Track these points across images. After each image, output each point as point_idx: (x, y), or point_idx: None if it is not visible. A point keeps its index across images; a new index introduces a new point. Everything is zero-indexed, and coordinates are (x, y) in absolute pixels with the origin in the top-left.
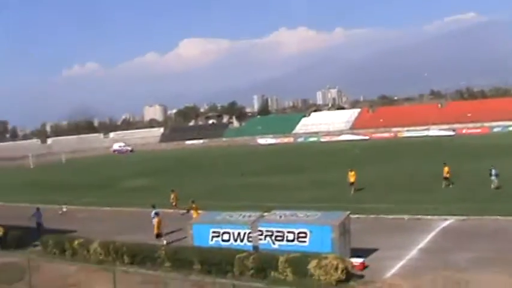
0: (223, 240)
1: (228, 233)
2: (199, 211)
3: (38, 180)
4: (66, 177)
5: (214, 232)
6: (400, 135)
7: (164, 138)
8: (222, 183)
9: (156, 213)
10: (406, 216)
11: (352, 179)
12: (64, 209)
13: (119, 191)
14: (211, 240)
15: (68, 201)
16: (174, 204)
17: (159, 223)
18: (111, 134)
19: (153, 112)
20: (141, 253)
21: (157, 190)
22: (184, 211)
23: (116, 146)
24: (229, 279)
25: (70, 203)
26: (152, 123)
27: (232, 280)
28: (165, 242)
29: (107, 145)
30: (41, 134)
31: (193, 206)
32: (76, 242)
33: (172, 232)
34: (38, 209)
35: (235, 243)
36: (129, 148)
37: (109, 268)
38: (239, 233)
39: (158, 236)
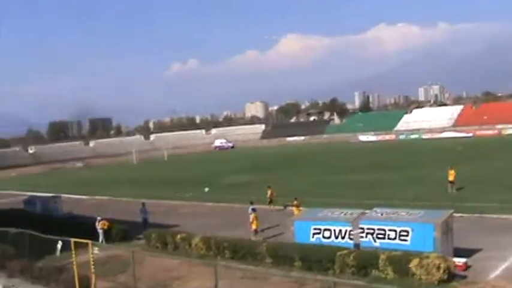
0: (324, 237)
1: (329, 230)
2: (301, 208)
3: (141, 176)
4: (168, 173)
5: (315, 229)
6: (504, 132)
7: (265, 134)
8: (322, 180)
9: (253, 209)
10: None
11: (451, 178)
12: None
13: (221, 186)
14: (313, 237)
15: (170, 197)
16: (270, 200)
17: (255, 219)
18: (213, 131)
19: (255, 109)
20: (242, 249)
21: (258, 186)
22: (281, 207)
23: (217, 143)
24: (330, 277)
25: (172, 198)
26: (253, 120)
27: (333, 277)
28: (259, 238)
29: (208, 141)
30: (144, 131)
31: (295, 203)
32: (178, 237)
33: (268, 228)
34: (143, 204)
35: (336, 241)
36: (231, 144)
37: (211, 263)
38: (340, 230)
39: (255, 231)
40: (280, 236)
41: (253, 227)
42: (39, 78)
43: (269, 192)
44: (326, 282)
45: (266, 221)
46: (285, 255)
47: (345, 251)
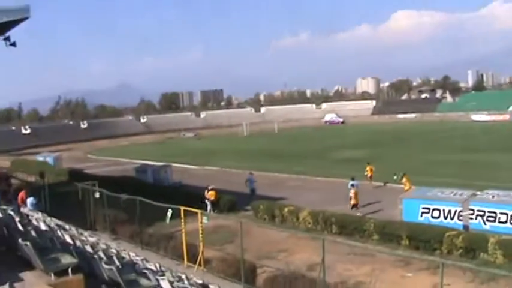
0: (433, 217)
1: (439, 209)
2: (411, 186)
3: (250, 148)
4: (278, 146)
5: (424, 208)
6: None
7: (376, 111)
8: (433, 158)
9: (352, 185)
10: None
11: None
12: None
13: (330, 161)
14: (421, 216)
15: (279, 169)
16: (369, 176)
17: (355, 194)
18: (323, 105)
19: (366, 84)
20: (349, 224)
21: (367, 162)
22: (382, 184)
23: (327, 117)
24: (437, 257)
25: (282, 171)
26: (364, 96)
27: (440, 258)
28: (358, 213)
29: (318, 116)
30: (255, 103)
31: (404, 179)
32: (286, 210)
33: (368, 204)
34: (251, 173)
35: (445, 221)
36: (341, 119)
37: (318, 237)
38: (450, 211)
39: (354, 206)
40: (380, 213)
41: (352, 202)
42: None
43: (368, 168)
44: (433, 262)
45: (366, 198)
46: (392, 233)
47: (454, 232)
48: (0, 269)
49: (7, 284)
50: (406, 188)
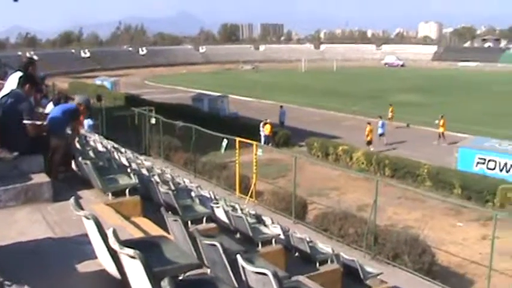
0: (488, 168)
1: (494, 161)
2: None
3: (308, 84)
4: (335, 85)
5: (480, 158)
6: None
7: (437, 56)
8: (493, 110)
9: (369, 123)
10: None
11: None
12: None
13: (386, 103)
14: (476, 166)
15: (335, 108)
16: (390, 117)
17: (370, 131)
18: (384, 47)
19: (428, 29)
20: (403, 168)
21: (425, 108)
22: (405, 125)
23: (387, 59)
24: (488, 209)
25: (338, 110)
26: (426, 40)
27: (493, 210)
28: (372, 148)
29: (378, 57)
30: (315, 40)
31: (442, 121)
32: (340, 148)
33: (389, 144)
34: (281, 106)
35: (500, 173)
36: (401, 63)
37: (372, 178)
38: (506, 164)
39: (369, 143)
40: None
41: (367, 138)
42: None
43: (390, 109)
44: (485, 213)
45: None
46: (445, 181)
47: (508, 185)
48: (60, 186)
49: (72, 198)
50: (442, 129)
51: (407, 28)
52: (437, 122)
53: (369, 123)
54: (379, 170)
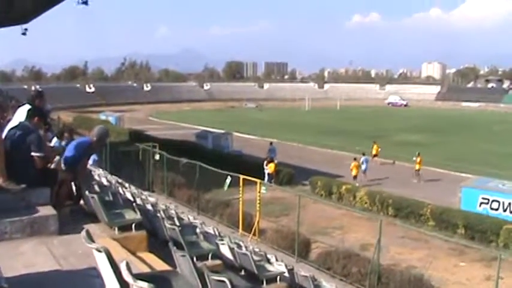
0: (491, 208)
1: (498, 201)
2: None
3: (311, 123)
4: (339, 123)
5: (483, 198)
6: None
7: (440, 96)
8: (494, 150)
9: (355, 159)
10: None
11: None
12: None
13: (390, 143)
14: (479, 206)
15: (337, 146)
16: (375, 154)
17: (355, 167)
18: (387, 87)
19: (431, 69)
20: (406, 208)
21: (427, 147)
22: (391, 161)
23: (391, 99)
24: (492, 249)
25: (341, 149)
26: (429, 80)
27: (496, 250)
28: (357, 184)
29: (381, 97)
30: (319, 79)
31: (419, 158)
32: (344, 187)
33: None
34: (271, 143)
35: (504, 214)
36: (404, 102)
37: (375, 217)
38: (509, 204)
39: (354, 177)
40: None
41: (352, 173)
42: (225, 20)
43: (374, 146)
44: (488, 254)
45: (376, 173)
46: (448, 221)
47: None
48: (66, 219)
49: (83, 231)
50: (418, 167)
51: (410, 68)
52: (414, 158)
53: (355, 159)
54: (382, 209)
